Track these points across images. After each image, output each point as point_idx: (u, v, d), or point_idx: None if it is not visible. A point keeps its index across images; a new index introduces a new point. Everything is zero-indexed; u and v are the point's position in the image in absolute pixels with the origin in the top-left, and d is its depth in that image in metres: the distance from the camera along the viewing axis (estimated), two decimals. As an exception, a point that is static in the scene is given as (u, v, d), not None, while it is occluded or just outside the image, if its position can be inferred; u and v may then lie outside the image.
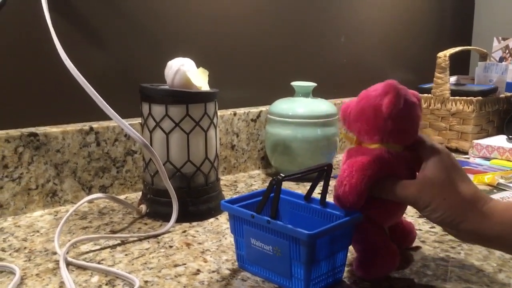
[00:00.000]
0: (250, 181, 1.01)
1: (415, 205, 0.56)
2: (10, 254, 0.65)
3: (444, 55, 1.28)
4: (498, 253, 0.67)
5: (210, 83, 0.81)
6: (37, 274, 0.59)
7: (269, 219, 0.55)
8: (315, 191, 0.63)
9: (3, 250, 0.66)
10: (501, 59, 1.47)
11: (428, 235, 0.73)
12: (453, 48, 1.30)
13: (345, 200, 0.56)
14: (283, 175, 0.55)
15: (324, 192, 0.61)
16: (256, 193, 0.66)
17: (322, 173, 0.61)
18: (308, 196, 0.63)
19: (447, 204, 0.53)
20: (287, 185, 0.94)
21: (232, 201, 0.62)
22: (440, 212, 0.53)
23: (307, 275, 0.54)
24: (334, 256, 0.57)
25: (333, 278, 0.58)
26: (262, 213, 0.57)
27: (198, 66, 0.79)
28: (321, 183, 0.61)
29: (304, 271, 0.54)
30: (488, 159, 1.17)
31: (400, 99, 0.55)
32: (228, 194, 0.91)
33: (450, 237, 0.72)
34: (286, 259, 0.54)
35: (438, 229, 0.75)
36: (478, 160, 1.17)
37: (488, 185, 0.97)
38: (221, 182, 0.93)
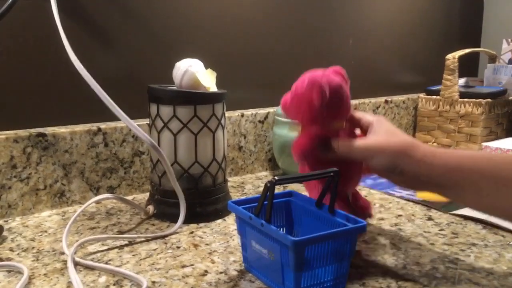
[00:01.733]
0: (258, 182, 1.01)
1: (364, 158, 0.63)
2: (18, 254, 0.65)
3: (453, 57, 1.27)
4: (508, 256, 0.66)
5: (218, 84, 0.81)
6: (45, 274, 0.60)
7: (263, 222, 0.54)
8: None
9: (11, 249, 0.67)
10: (511, 61, 1.46)
11: (437, 237, 0.72)
12: (462, 50, 1.30)
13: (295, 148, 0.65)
14: (277, 178, 0.54)
15: (332, 200, 0.59)
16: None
17: (331, 179, 0.59)
18: (319, 202, 0.62)
19: (390, 152, 0.61)
20: (295, 188, 0.94)
21: (240, 202, 0.62)
22: (385, 160, 0.61)
23: (296, 283, 0.52)
24: (333, 266, 0.55)
25: None
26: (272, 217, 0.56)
27: (206, 67, 0.79)
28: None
29: (293, 278, 0.52)
30: (497, 161, 1.16)
31: (325, 90, 0.61)
32: (235, 196, 0.91)
33: (459, 239, 0.72)
34: (278, 264, 0.54)
35: (447, 231, 0.75)
36: (487, 163, 1.16)
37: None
38: (228, 184, 0.93)
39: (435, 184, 0.60)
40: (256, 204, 0.59)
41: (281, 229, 0.65)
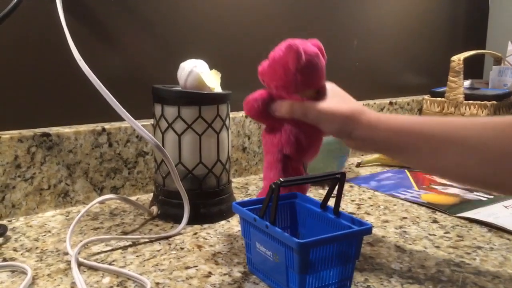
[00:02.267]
0: (261, 184, 1.01)
1: (317, 122, 0.65)
2: (21, 254, 0.65)
3: (458, 58, 1.26)
4: (514, 259, 0.66)
5: (223, 85, 0.81)
6: (48, 275, 0.59)
7: (267, 223, 0.54)
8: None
9: (15, 250, 0.66)
10: (516, 63, 1.45)
11: (442, 240, 0.72)
12: (467, 51, 1.29)
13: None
14: (282, 180, 0.54)
15: (337, 202, 0.59)
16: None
17: (336, 181, 0.59)
18: (324, 205, 0.62)
19: (339, 117, 0.64)
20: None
21: (245, 203, 0.62)
22: (336, 125, 0.64)
23: (301, 285, 0.52)
24: (338, 268, 0.55)
25: None
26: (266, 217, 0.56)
27: (210, 68, 0.79)
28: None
29: (298, 281, 0.52)
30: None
31: (301, 55, 0.63)
32: (239, 197, 0.90)
33: (465, 242, 0.71)
34: (283, 266, 0.54)
35: (452, 234, 0.74)
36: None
37: (503, 190, 0.96)
38: (232, 185, 0.93)
39: (381, 147, 0.65)
40: (261, 205, 0.59)
41: (286, 231, 0.65)
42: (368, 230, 0.55)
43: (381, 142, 0.63)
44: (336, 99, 0.67)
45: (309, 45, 0.67)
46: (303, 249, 0.50)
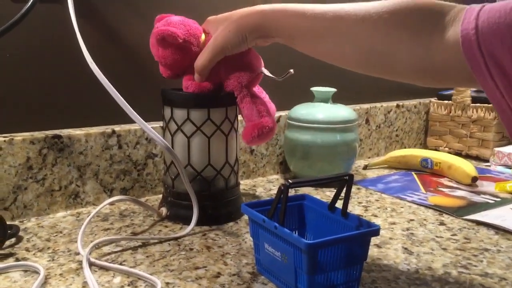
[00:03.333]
0: (269, 185, 1.02)
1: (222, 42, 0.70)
2: (34, 254, 0.66)
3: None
4: (521, 262, 0.66)
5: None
6: (60, 274, 0.60)
7: (276, 224, 0.55)
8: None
9: (27, 250, 0.68)
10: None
11: (449, 242, 0.72)
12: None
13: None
14: (291, 181, 0.55)
15: (345, 204, 0.60)
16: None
17: (344, 182, 0.59)
18: (332, 206, 0.62)
19: (237, 16, 0.70)
20: (305, 191, 0.94)
21: (254, 205, 0.62)
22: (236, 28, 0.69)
23: (309, 286, 0.53)
24: (346, 269, 0.55)
25: None
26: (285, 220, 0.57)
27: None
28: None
29: (306, 281, 0.53)
30: (509, 167, 1.15)
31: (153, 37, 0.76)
32: (247, 199, 0.91)
33: (472, 245, 0.72)
34: (291, 267, 0.54)
35: (459, 236, 0.75)
36: (500, 168, 1.16)
37: (510, 193, 0.96)
38: (240, 187, 0.94)
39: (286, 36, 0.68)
40: (269, 207, 0.59)
41: (294, 232, 0.65)
42: (376, 231, 0.55)
43: (291, 29, 0.66)
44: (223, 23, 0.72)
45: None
46: (311, 250, 0.51)
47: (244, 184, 1.02)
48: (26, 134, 0.79)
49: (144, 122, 0.73)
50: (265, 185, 1.02)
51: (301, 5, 0.65)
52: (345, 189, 0.60)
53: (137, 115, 0.72)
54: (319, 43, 0.64)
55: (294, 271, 0.54)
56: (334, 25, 0.62)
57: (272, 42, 0.70)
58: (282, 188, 0.55)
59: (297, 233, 0.66)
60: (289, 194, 0.59)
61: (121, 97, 0.72)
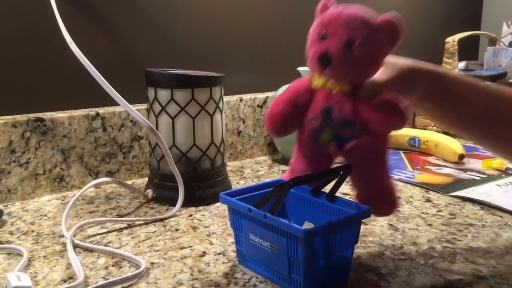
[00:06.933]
0: (257, 167, 1.01)
1: (403, 87, 0.60)
2: (18, 237, 0.66)
3: (453, 40, 1.26)
4: (505, 235, 0.66)
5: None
6: (44, 256, 0.60)
7: (266, 213, 0.51)
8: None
9: (11, 233, 0.67)
10: (511, 44, 1.45)
11: (435, 218, 0.73)
12: (462, 33, 1.29)
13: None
14: (292, 183, 0.51)
15: (335, 188, 0.57)
16: (257, 186, 0.61)
17: (345, 172, 0.56)
18: (315, 190, 0.59)
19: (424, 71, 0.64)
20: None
21: (233, 193, 0.58)
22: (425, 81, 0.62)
23: (306, 274, 0.50)
24: (339, 255, 0.54)
25: (337, 279, 0.55)
26: (263, 207, 0.53)
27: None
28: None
29: (302, 270, 0.50)
30: (496, 144, 1.16)
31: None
32: (234, 180, 0.91)
33: (457, 220, 0.72)
34: (284, 256, 0.51)
35: (445, 212, 0.75)
36: (487, 146, 1.16)
37: (497, 169, 0.96)
38: (228, 168, 0.93)
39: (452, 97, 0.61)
40: (250, 194, 0.57)
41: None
42: (368, 212, 0.54)
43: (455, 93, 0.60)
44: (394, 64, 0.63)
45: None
46: (309, 237, 0.49)
47: (232, 166, 1.01)
48: (8, 117, 0.78)
49: (126, 102, 0.72)
50: (252, 166, 1.02)
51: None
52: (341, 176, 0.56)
53: (120, 96, 0.72)
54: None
55: (287, 261, 0.51)
56: (493, 105, 0.59)
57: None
58: (281, 187, 0.51)
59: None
60: (268, 180, 0.57)
61: (103, 79, 0.71)
